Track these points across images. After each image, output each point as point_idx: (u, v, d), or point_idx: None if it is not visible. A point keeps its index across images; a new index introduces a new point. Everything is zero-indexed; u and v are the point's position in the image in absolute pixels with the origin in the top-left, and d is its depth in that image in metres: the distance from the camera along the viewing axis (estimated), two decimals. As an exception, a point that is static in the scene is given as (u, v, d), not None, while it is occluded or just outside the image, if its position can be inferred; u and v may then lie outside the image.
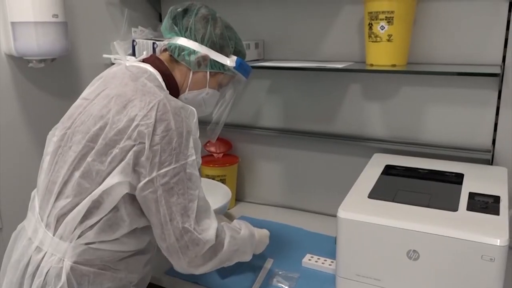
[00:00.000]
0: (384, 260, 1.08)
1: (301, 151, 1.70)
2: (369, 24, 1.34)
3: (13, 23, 1.30)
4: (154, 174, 0.97)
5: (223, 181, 1.71)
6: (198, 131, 1.06)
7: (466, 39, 1.36)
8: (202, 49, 1.14)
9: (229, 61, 1.17)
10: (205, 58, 1.14)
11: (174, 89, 1.13)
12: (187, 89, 1.16)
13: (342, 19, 1.52)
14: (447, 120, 1.44)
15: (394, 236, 1.05)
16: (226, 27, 1.18)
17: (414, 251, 1.04)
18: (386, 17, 1.29)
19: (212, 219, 1.04)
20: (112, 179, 0.97)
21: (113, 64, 1.18)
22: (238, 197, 1.86)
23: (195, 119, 1.05)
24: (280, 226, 1.61)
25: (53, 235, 1.01)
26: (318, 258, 1.35)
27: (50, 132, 1.12)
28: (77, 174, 1.00)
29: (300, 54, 1.62)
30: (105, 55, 1.16)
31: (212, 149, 1.77)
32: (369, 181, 1.28)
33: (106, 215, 0.99)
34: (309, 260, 1.34)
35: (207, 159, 1.77)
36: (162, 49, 1.19)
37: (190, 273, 1.04)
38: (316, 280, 1.27)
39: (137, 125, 0.97)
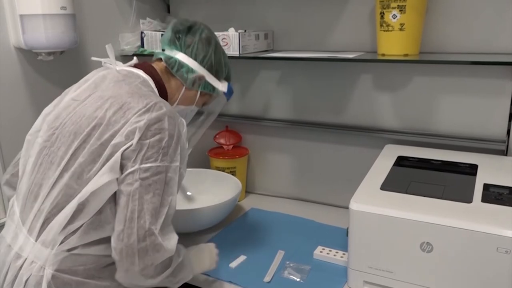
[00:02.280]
0: (397, 252, 1.07)
1: (312, 142, 1.69)
2: (380, 13, 1.31)
3: (21, 16, 1.30)
4: (136, 166, 0.94)
5: (233, 173, 1.71)
6: (187, 143, 1.06)
7: (479, 27, 1.33)
8: (199, 69, 1.17)
9: (221, 86, 1.22)
10: (201, 78, 1.18)
11: (164, 99, 1.11)
12: (176, 103, 1.18)
13: (353, 8, 1.50)
14: (461, 110, 1.42)
15: (407, 228, 1.04)
16: (223, 53, 1.23)
17: (428, 243, 1.03)
18: (398, 5, 1.27)
19: (174, 232, 1.00)
20: (101, 178, 0.93)
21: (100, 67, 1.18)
22: (248, 189, 1.85)
23: (185, 130, 1.05)
24: (290, 218, 1.60)
25: (35, 240, 0.97)
26: (330, 250, 1.34)
27: (30, 135, 1.09)
28: (66, 175, 0.96)
29: (310, 44, 1.60)
30: (93, 58, 1.16)
31: (222, 141, 1.76)
32: (381, 172, 1.26)
33: (90, 218, 0.95)
34: (321, 252, 1.34)
35: (217, 151, 1.76)
36: (156, 58, 1.20)
37: (134, 284, 0.97)
38: (328, 272, 1.26)
39: (131, 123, 0.96)
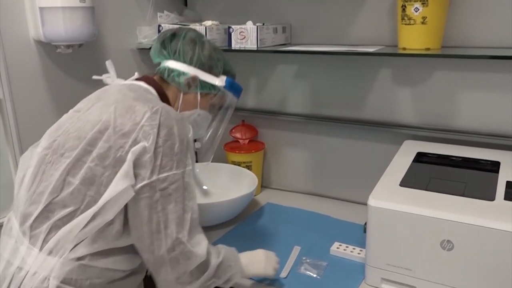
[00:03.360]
0: (416, 250, 1.05)
1: (329, 137, 1.67)
2: (402, 6, 1.29)
3: (41, 8, 1.30)
4: (154, 178, 0.93)
5: (249, 167, 1.70)
6: (193, 150, 1.04)
7: (503, 21, 1.30)
8: (191, 70, 1.14)
9: (218, 81, 1.17)
10: (194, 79, 1.14)
11: None
12: (178, 110, 1.15)
13: (372, 1, 1.47)
14: (482, 106, 1.39)
15: (427, 225, 1.02)
16: (214, 49, 1.19)
17: (448, 241, 1.01)
18: (420, -2, 1.24)
19: (203, 234, 1.00)
20: (117, 186, 0.91)
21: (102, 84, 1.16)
22: (264, 183, 1.84)
23: (191, 134, 1.03)
24: (307, 213, 1.59)
25: (40, 250, 0.93)
26: (347, 246, 1.33)
27: (27, 152, 1.07)
28: (73, 180, 0.94)
29: (328, 38, 1.58)
30: (94, 77, 1.16)
31: (238, 135, 1.75)
32: (400, 168, 1.24)
33: (102, 227, 0.93)
34: (337, 248, 1.32)
35: (233, 145, 1.76)
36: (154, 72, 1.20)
37: None
38: (345, 269, 1.25)
39: (142, 126, 0.95)
